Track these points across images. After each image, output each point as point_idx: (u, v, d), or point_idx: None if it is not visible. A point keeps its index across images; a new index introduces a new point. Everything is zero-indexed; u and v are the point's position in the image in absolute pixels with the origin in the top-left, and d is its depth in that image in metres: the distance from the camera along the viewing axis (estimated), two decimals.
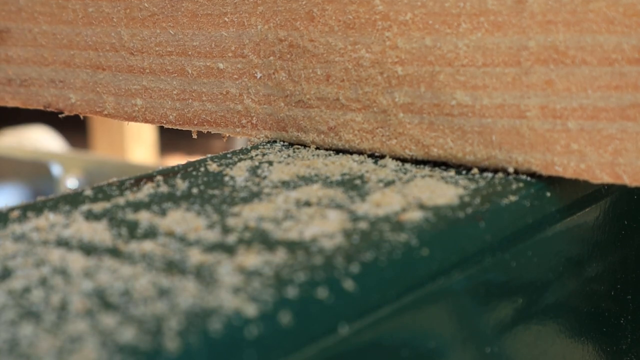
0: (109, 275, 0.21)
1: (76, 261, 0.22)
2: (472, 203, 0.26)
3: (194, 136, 0.38)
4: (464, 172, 0.29)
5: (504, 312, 0.27)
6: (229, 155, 0.33)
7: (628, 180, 0.27)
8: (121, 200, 0.27)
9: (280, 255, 0.22)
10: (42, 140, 1.44)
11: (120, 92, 0.37)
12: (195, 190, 0.28)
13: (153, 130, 1.74)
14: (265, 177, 0.29)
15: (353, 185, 0.28)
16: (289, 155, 0.32)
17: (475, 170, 0.29)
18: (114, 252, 0.22)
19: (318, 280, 0.20)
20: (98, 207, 0.26)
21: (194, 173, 0.30)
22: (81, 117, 0.40)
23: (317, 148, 0.33)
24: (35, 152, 0.98)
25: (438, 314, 0.24)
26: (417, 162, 0.31)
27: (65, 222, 0.25)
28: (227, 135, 0.36)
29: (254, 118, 0.34)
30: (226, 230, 0.24)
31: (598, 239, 0.31)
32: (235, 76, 0.34)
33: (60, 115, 0.40)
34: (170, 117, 0.36)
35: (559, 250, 0.29)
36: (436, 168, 0.30)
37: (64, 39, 0.38)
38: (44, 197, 0.28)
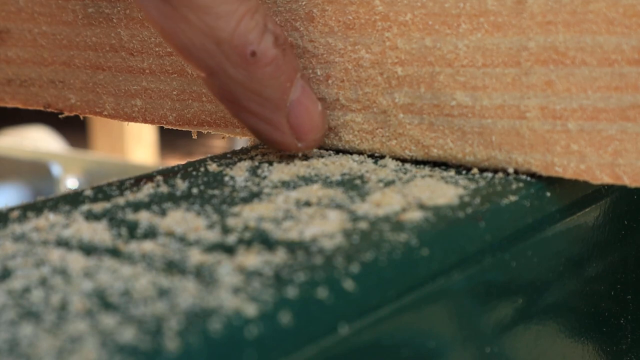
0: (109, 275, 0.21)
1: (76, 261, 0.22)
2: (472, 203, 0.26)
3: (194, 137, 0.38)
4: (464, 172, 0.29)
5: (504, 312, 0.27)
6: (229, 155, 0.33)
7: (628, 181, 0.27)
8: (121, 200, 0.27)
9: (280, 255, 0.22)
10: (42, 140, 1.44)
11: (120, 92, 0.37)
12: (195, 190, 0.28)
13: (153, 130, 1.74)
14: (265, 177, 0.29)
15: (353, 185, 0.28)
16: (289, 155, 0.32)
17: (475, 170, 0.29)
18: (114, 252, 0.23)
19: (318, 280, 0.20)
20: (98, 207, 0.26)
21: (194, 173, 0.30)
22: (81, 117, 0.40)
23: (317, 148, 0.33)
24: (35, 152, 0.98)
25: (438, 314, 0.24)
26: (417, 162, 0.31)
27: (65, 222, 0.25)
28: (227, 135, 0.36)
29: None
30: (226, 230, 0.24)
31: (598, 239, 0.31)
32: None
33: (60, 116, 0.40)
34: (170, 117, 0.36)
35: (559, 250, 0.29)
36: (436, 168, 0.30)
37: (64, 39, 0.38)
38: (44, 197, 0.28)
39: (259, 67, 0.28)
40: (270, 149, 0.33)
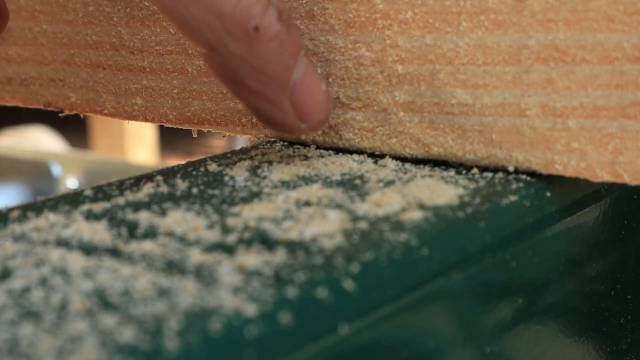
0: (109, 275, 0.21)
1: (76, 261, 0.22)
2: (472, 203, 0.26)
3: (194, 135, 0.38)
4: (464, 172, 0.29)
5: (504, 312, 0.27)
6: (228, 155, 0.32)
7: (628, 179, 0.27)
8: (121, 200, 0.27)
9: (280, 255, 0.22)
10: (42, 140, 1.44)
11: (120, 91, 0.37)
12: (195, 190, 0.28)
13: (153, 130, 1.73)
14: (265, 177, 0.29)
15: (353, 185, 0.28)
16: (289, 155, 0.32)
17: (475, 170, 0.29)
18: (114, 252, 0.22)
19: (318, 280, 0.20)
20: (98, 207, 0.26)
21: (194, 173, 0.30)
22: (81, 116, 0.40)
23: (317, 147, 0.33)
24: (35, 152, 0.98)
25: (438, 314, 0.24)
26: (417, 161, 0.31)
27: (65, 222, 0.25)
28: (227, 134, 0.36)
29: (254, 117, 0.34)
30: (226, 230, 0.24)
31: (598, 239, 0.31)
32: None
33: (60, 114, 0.40)
34: (170, 116, 0.36)
35: (559, 250, 0.29)
36: (436, 168, 0.30)
37: (64, 38, 0.38)
38: (44, 197, 0.28)
39: (261, 43, 0.27)
40: (270, 149, 0.33)
